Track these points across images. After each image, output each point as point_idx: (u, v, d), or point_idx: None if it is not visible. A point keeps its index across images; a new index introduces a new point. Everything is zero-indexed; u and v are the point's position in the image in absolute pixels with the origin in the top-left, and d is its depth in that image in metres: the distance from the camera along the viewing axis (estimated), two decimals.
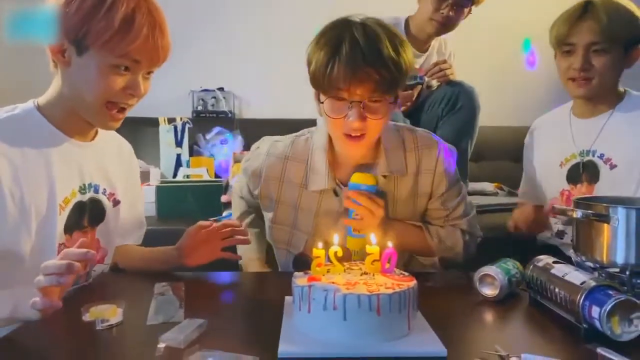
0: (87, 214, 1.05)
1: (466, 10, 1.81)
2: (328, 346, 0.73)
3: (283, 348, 0.72)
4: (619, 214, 0.85)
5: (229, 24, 2.75)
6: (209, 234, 1.15)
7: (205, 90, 2.68)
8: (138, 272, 1.20)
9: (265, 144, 1.24)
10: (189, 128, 2.38)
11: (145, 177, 2.17)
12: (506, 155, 2.52)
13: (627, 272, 0.85)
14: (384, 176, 1.15)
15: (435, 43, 1.96)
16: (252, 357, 0.68)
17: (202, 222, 1.16)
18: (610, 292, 0.78)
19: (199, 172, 2.20)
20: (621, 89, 1.39)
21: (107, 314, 0.87)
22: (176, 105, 2.62)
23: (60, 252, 0.90)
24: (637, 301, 0.76)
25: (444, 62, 1.82)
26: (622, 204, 0.92)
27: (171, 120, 2.40)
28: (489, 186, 2.21)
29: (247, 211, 1.34)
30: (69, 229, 1.01)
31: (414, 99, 1.87)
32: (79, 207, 1.03)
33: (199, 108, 2.66)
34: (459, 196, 1.22)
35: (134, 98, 0.99)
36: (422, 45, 1.92)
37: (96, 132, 1.08)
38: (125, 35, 0.92)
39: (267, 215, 1.24)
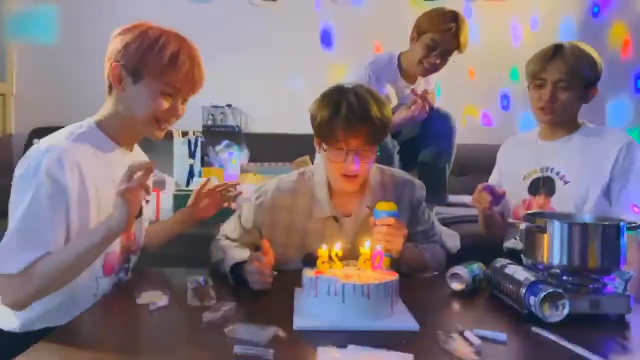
0: None
1: (450, 56, 2.08)
2: (330, 321, 0.97)
3: (297, 322, 0.97)
4: (554, 226, 1.10)
5: (238, 46, 3.00)
6: (211, 191, 1.50)
7: (215, 106, 2.91)
8: (163, 245, 1.50)
9: (272, 182, 1.44)
10: (201, 141, 2.62)
11: (161, 185, 2.40)
12: (487, 171, 2.74)
13: (559, 271, 1.10)
14: (368, 207, 1.36)
15: None
16: (275, 327, 0.92)
17: (203, 183, 1.51)
18: (544, 285, 1.03)
19: None
20: (580, 121, 1.66)
21: (155, 297, 1.11)
22: (188, 120, 2.82)
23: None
24: (562, 292, 1.01)
25: (426, 92, 2.06)
26: (560, 218, 1.16)
27: (185, 134, 2.64)
28: (468, 198, 2.44)
29: (241, 238, 1.45)
30: None
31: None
32: None
33: (209, 123, 2.90)
34: (430, 219, 1.49)
35: (174, 118, 1.22)
36: (411, 77, 2.18)
37: (133, 146, 1.31)
38: (172, 68, 1.16)
39: (278, 242, 1.37)
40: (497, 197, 1.54)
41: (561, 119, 1.60)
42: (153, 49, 1.15)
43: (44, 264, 1.04)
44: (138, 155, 1.35)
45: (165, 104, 1.18)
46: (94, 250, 1.08)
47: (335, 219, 1.39)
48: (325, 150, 1.32)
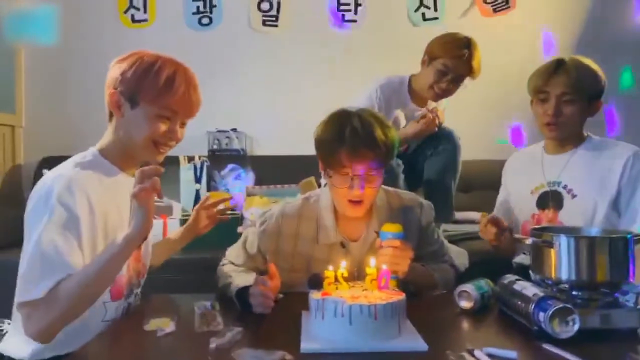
0: None
1: (462, 82, 2.09)
2: (338, 343, 0.97)
3: (304, 345, 0.96)
4: (561, 241, 1.09)
5: (241, 71, 3.04)
6: (208, 206, 1.54)
7: (220, 130, 2.94)
8: (166, 260, 1.54)
9: (277, 207, 1.43)
10: (206, 166, 2.64)
11: (168, 211, 2.41)
12: (494, 186, 2.73)
13: (568, 286, 1.09)
14: (376, 232, 1.34)
15: None
16: (282, 352, 0.92)
17: (202, 200, 1.56)
18: (553, 301, 1.02)
19: None
20: (585, 133, 1.66)
21: (163, 324, 1.11)
22: (194, 145, 2.86)
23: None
24: (572, 307, 1.00)
25: (436, 109, 2.08)
26: (567, 232, 1.16)
27: (190, 159, 2.66)
28: (476, 215, 2.44)
29: (246, 264, 1.45)
30: None
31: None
32: None
33: (215, 147, 2.92)
34: (440, 239, 1.49)
35: (173, 141, 1.23)
36: (421, 101, 2.19)
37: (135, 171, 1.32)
38: (167, 92, 1.18)
39: (283, 267, 1.36)
40: (503, 229, 1.54)
41: (567, 133, 1.61)
42: (149, 74, 1.18)
43: (67, 284, 1.04)
44: None
45: (163, 127, 1.20)
46: (116, 262, 1.09)
47: (342, 244, 1.38)
48: (330, 177, 1.31)
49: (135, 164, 1.30)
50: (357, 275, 1.32)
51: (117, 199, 1.20)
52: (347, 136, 1.24)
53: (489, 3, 3.10)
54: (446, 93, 2.09)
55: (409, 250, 1.25)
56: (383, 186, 1.41)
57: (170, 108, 1.19)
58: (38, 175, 2.79)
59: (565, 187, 1.60)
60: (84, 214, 1.11)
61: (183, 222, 2.23)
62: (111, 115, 1.24)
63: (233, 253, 1.48)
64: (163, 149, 1.24)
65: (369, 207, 1.36)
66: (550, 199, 1.62)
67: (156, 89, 1.17)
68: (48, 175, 1.16)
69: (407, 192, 1.53)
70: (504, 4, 3.10)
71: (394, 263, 1.22)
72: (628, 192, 1.53)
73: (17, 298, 1.06)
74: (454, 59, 2.01)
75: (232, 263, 1.46)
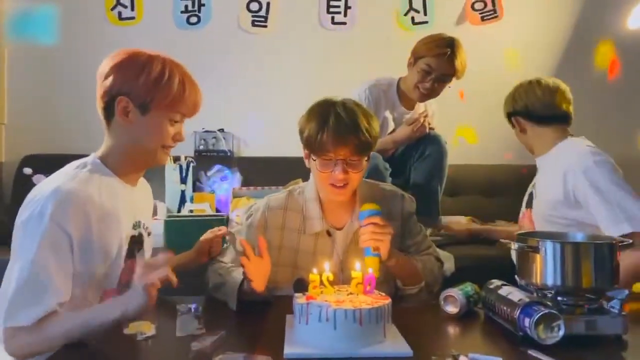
0: (137, 245, 1.28)
1: (448, 82, 2.11)
2: (322, 349, 0.95)
3: (288, 350, 0.95)
4: (547, 246, 1.08)
5: (230, 71, 3.02)
6: (215, 239, 1.52)
7: (207, 131, 2.91)
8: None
9: (262, 200, 1.46)
10: (192, 166, 2.61)
11: (153, 212, 2.38)
12: (479, 191, 2.77)
13: (553, 292, 1.08)
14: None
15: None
16: (265, 356, 0.90)
17: (210, 230, 1.54)
18: (538, 307, 1.01)
19: (201, 207, 2.42)
20: (568, 135, 1.65)
21: (143, 328, 1.08)
22: (180, 145, 2.82)
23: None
24: (558, 313, 0.99)
25: (425, 115, 2.08)
26: (552, 238, 1.16)
27: (176, 159, 2.63)
28: (462, 219, 2.44)
29: (235, 261, 1.44)
30: (126, 258, 1.23)
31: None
32: (133, 241, 1.25)
33: (201, 147, 2.89)
34: (422, 231, 1.50)
35: (178, 142, 1.25)
36: (410, 103, 2.19)
37: (137, 179, 1.30)
38: (181, 98, 1.19)
39: (270, 260, 1.33)
40: None
41: (527, 144, 1.71)
42: (161, 81, 1.17)
43: (54, 325, 1.03)
44: (142, 189, 1.35)
45: (173, 131, 1.22)
46: (105, 326, 1.06)
47: (328, 233, 1.40)
48: (314, 160, 1.33)
49: (137, 173, 1.28)
50: (341, 274, 1.34)
51: (114, 209, 1.18)
52: (331, 122, 1.28)
53: (477, 10, 3.12)
54: (431, 93, 2.10)
55: (389, 227, 1.27)
56: (365, 179, 1.44)
57: (181, 112, 1.22)
58: (19, 174, 2.74)
59: (534, 186, 1.71)
60: (79, 231, 1.10)
61: (167, 223, 2.20)
62: (108, 122, 1.21)
63: (222, 253, 1.50)
64: (168, 150, 1.25)
65: (353, 195, 1.39)
66: (529, 199, 1.74)
67: (171, 95, 1.18)
68: (45, 184, 1.13)
69: (388, 184, 1.56)
70: (492, 12, 3.12)
71: (376, 239, 1.24)
72: (585, 199, 1.50)
73: (3, 322, 1.04)
74: (436, 58, 2.03)
75: (221, 262, 1.45)
